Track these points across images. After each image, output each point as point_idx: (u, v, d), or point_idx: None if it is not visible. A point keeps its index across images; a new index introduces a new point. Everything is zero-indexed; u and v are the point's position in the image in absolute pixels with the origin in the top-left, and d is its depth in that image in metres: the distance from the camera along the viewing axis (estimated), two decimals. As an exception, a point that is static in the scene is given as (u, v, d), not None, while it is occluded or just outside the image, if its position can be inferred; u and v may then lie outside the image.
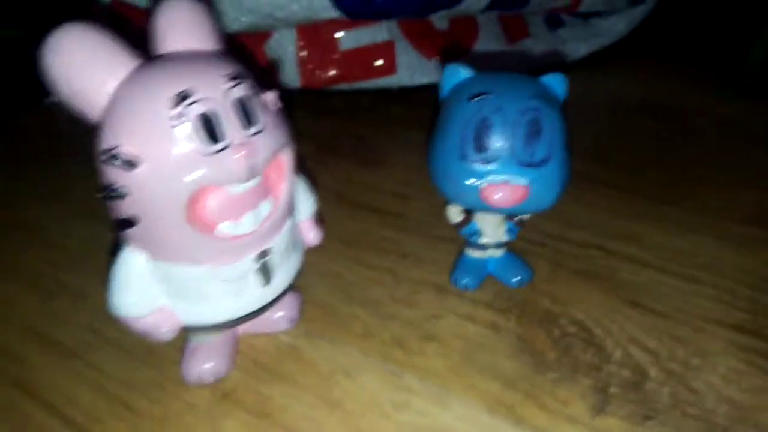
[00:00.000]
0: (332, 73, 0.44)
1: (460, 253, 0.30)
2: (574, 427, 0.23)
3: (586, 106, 0.46)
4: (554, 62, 0.45)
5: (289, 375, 0.25)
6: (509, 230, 0.29)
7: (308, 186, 0.26)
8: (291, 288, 0.25)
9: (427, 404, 0.24)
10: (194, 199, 0.19)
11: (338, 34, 0.43)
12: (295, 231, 0.24)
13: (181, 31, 0.20)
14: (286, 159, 0.22)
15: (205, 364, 0.24)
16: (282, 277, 0.24)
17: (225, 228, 0.20)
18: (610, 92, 0.50)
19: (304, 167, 0.25)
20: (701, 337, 0.27)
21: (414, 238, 0.33)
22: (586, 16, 0.53)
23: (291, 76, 0.43)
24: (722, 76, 0.52)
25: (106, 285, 0.21)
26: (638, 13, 0.54)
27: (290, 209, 0.23)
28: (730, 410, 0.23)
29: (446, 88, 0.27)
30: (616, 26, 0.53)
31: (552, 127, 0.24)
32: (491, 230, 0.28)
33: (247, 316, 0.23)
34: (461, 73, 0.26)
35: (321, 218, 0.27)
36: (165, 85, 0.19)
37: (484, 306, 0.28)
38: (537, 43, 0.50)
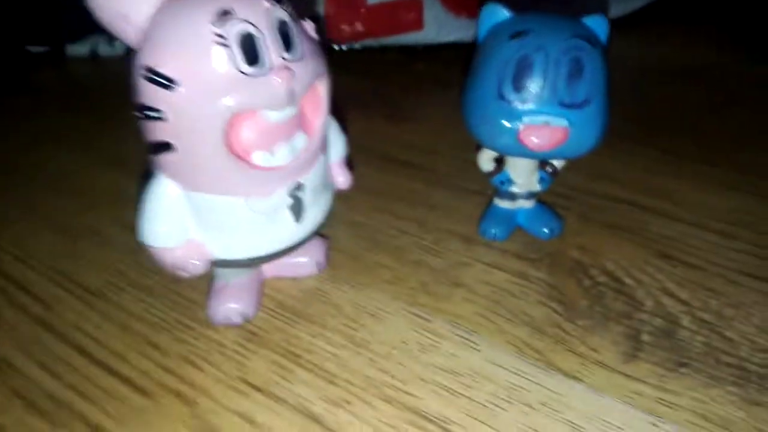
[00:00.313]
0: (358, 28, 0.43)
1: (489, 204, 0.30)
2: (604, 372, 0.22)
3: (621, 67, 0.45)
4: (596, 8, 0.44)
5: (316, 317, 0.25)
6: (541, 179, 0.28)
7: (339, 128, 0.26)
8: (320, 230, 0.24)
9: (454, 347, 0.23)
10: (232, 125, 0.19)
11: (365, -12, 0.42)
12: (327, 170, 0.24)
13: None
14: (323, 91, 0.21)
15: (232, 303, 0.24)
16: (313, 216, 0.23)
17: (260, 157, 0.20)
18: (646, 55, 0.49)
19: (335, 112, 0.25)
20: (734, 289, 0.26)
21: (442, 190, 0.33)
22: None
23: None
24: (756, 39, 0.50)
25: (137, 216, 0.21)
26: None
27: (324, 145, 0.23)
28: (766, 359, 0.23)
29: (484, 28, 0.26)
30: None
31: (594, 67, 0.24)
32: (523, 178, 0.28)
33: (276, 253, 0.23)
34: (500, 13, 0.26)
35: (350, 165, 0.27)
36: (206, 3, 0.18)
37: (512, 255, 0.28)
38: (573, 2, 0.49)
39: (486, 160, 0.28)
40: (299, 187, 0.22)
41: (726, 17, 0.58)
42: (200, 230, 0.21)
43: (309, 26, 0.21)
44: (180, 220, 0.21)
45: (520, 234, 0.29)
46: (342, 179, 0.26)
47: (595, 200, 0.32)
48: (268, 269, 0.26)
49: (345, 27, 0.43)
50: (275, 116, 0.20)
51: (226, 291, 0.24)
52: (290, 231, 0.22)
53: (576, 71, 0.23)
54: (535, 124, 0.24)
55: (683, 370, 0.22)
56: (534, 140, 0.24)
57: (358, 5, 0.42)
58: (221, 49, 0.18)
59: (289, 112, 0.20)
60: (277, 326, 0.25)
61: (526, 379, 0.22)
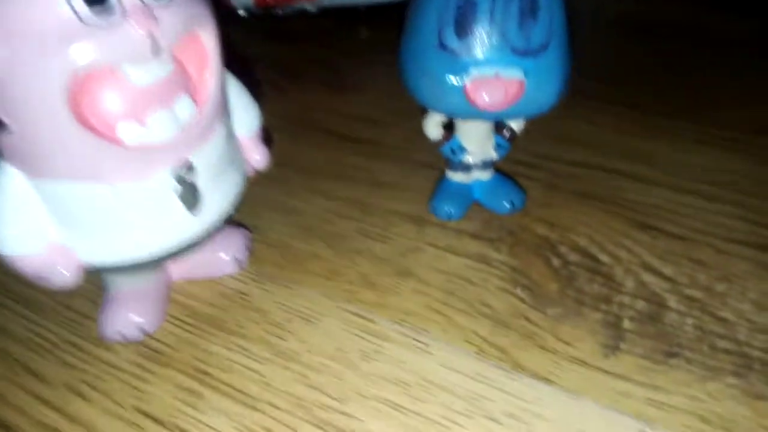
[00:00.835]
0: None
1: (442, 178, 0.26)
2: (583, 370, 0.19)
3: (594, 23, 0.41)
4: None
5: (235, 326, 0.21)
6: (498, 145, 0.24)
7: (248, 94, 0.21)
8: (228, 220, 0.20)
9: (401, 351, 0.19)
10: (81, 87, 0.14)
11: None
12: (231, 145, 0.19)
13: None
14: (208, 41, 0.17)
15: (127, 315, 0.20)
16: (215, 203, 0.19)
17: (128, 130, 0.15)
18: (621, 11, 0.45)
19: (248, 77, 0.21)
20: (725, 260, 0.22)
21: (389, 165, 0.28)
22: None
23: (243, -6, 0.37)
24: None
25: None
26: None
27: (221, 113, 0.18)
28: (767, 341, 0.19)
29: None
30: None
31: (551, 5, 0.20)
32: (476, 145, 0.24)
33: (170, 253, 0.18)
34: None
35: (268, 138, 0.22)
36: None
37: (469, 236, 0.24)
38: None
39: (433, 126, 0.24)
40: (189, 167, 0.17)
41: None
42: (63, 230, 0.17)
43: None
44: (34, 220, 0.16)
45: (477, 210, 0.25)
46: (257, 157, 0.21)
47: (561, 167, 0.28)
48: (176, 270, 0.22)
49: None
50: (141, 76, 0.15)
51: (120, 300, 0.20)
52: (184, 224, 0.18)
53: (529, 10, 0.19)
54: (484, 76, 0.20)
55: (674, 361, 0.19)
56: (484, 97, 0.20)
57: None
58: None
59: (159, 69, 0.15)
60: (187, 340, 0.20)
61: (489, 385, 0.18)
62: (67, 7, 0.14)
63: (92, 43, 0.14)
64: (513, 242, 0.24)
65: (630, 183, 0.26)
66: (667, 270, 0.22)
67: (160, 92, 0.16)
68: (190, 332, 0.21)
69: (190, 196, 0.17)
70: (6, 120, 0.15)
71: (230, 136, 0.19)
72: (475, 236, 0.24)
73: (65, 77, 0.14)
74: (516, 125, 0.23)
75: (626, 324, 0.20)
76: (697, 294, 0.21)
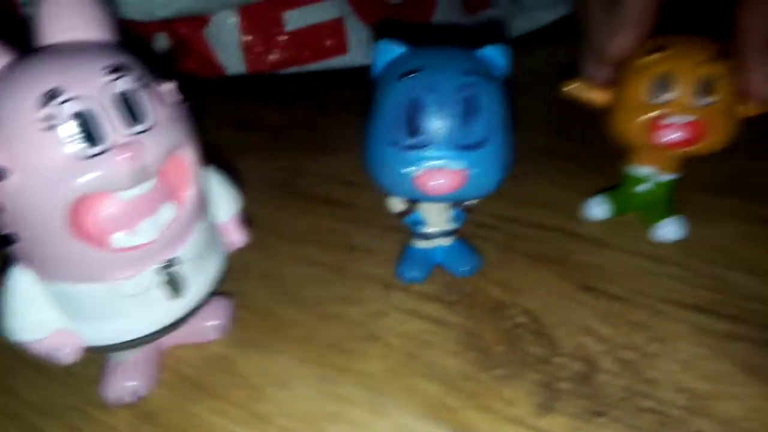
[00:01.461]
0: (279, 56, 0.41)
1: (407, 244, 0.28)
2: (522, 430, 0.21)
3: (547, 77, 0.44)
4: (496, 33, 0.42)
5: (219, 389, 0.23)
6: (455, 217, 0.27)
7: (228, 182, 0.24)
8: (211, 296, 0.23)
9: (363, 413, 0.22)
10: (78, 210, 0.17)
11: (284, 14, 0.40)
12: (211, 234, 0.22)
13: (63, 20, 0.18)
14: (188, 157, 0.20)
15: (124, 382, 0.23)
16: (198, 286, 0.22)
17: (119, 239, 0.18)
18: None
19: (226, 162, 0.24)
20: (660, 321, 0.25)
21: (363, 229, 0.31)
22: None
23: (235, 61, 0.40)
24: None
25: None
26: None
27: (200, 212, 0.21)
28: (689, 400, 0.22)
29: (379, 66, 0.25)
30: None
31: (490, 104, 0.22)
32: (435, 218, 0.27)
33: (159, 332, 0.21)
34: (394, 49, 0.24)
35: (248, 218, 0.25)
36: (32, 82, 0.17)
37: (431, 299, 0.27)
38: (498, 13, 0.48)
39: (396, 202, 0.26)
40: (173, 261, 0.20)
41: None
42: (66, 317, 0.20)
43: (167, 89, 0.19)
44: (42, 312, 0.19)
45: (440, 273, 0.28)
46: (236, 237, 0.24)
47: (518, 228, 0.30)
48: (167, 339, 0.25)
49: (265, 56, 0.41)
50: (130, 194, 0.18)
51: (119, 369, 0.23)
52: (170, 308, 0.21)
53: (471, 110, 0.22)
54: (433, 168, 0.23)
55: (601, 420, 0.21)
56: (432, 185, 0.23)
57: (277, 32, 0.41)
58: (52, 131, 0.16)
59: (145, 187, 0.18)
60: (175, 403, 0.23)
61: (437, 445, 0.21)
62: (68, 146, 0.17)
63: (88, 175, 0.17)
64: (469, 304, 0.26)
65: (579, 244, 0.29)
66: (605, 331, 0.25)
67: (145, 203, 0.19)
68: (179, 395, 0.23)
69: (175, 285, 0.20)
70: (16, 232, 0.18)
71: (210, 226, 0.22)
72: (436, 299, 0.27)
73: (65, 202, 0.17)
74: (470, 201, 0.26)
75: (562, 384, 0.23)
76: (629, 355, 0.24)
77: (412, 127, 0.22)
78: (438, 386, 0.23)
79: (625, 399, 0.22)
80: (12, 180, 0.17)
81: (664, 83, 0.24)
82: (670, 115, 0.25)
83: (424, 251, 0.28)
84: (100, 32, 0.18)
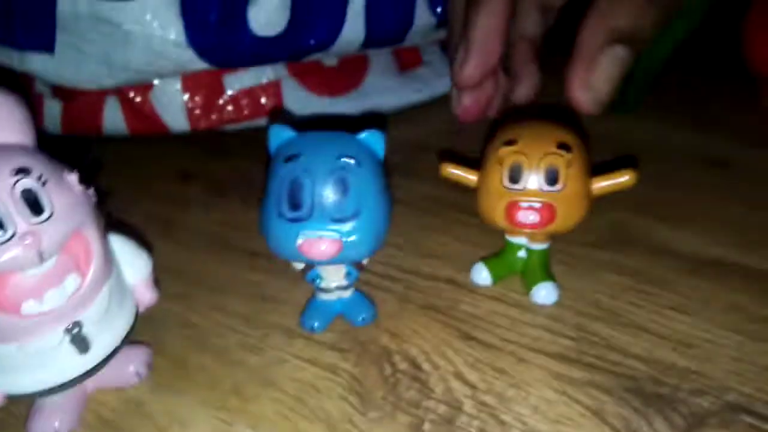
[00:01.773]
0: (220, 116, 0.45)
1: (312, 297, 0.32)
2: (382, 466, 0.25)
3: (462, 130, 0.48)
4: (377, 121, 0.47)
5: (129, 429, 0.27)
6: (348, 273, 0.30)
7: (138, 247, 0.28)
8: (120, 348, 0.26)
9: (250, 452, 0.25)
10: None
11: (223, 78, 0.44)
12: (120, 294, 0.26)
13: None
14: (90, 235, 0.23)
15: (48, 422, 0.26)
16: (105, 342, 0.25)
17: (29, 307, 0.22)
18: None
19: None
20: (522, 368, 0.28)
21: (278, 279, 0.35)
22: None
23: (179, 121, 0.44)
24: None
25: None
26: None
27: (104, 279, 0.25)
28: (532, 440, 0.25)
29: (273, 147, 0.29)
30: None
31: (361, 183, 0.26)
32: (331, 275, 0.30)
33: (70, 382, 0.25)
34: (283, 133, 0.28)
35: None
36: None
37: (327, 347, 0.30)
38: (431, 71, 0.52)
39: (295, 262, 0.30)
40: (78, 324, 0.24)
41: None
42: (-12, 371, 0.23)
43: (72, 180, 0.23)
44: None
45: (340, 323, 0.31)
46: (147, 297, 0.28)
47: (418, 280, 0.34)
48: (90, 382, 0.28)
49: (207, 116, 0.45)
50: (35, 271, 0.22)
51: (43, 410, 0.26)
52: (78, 362, 0.24)
53: (342, 190, 0.26)
54: (311, 238, 0.26)
55: (453, 458, 0.25)
56: (312, 251, 0.26)
57: (217, 94, 0.45)
58: None
59: (48, 264, 0.22)
60: (92, 442, 0.26)
61: (308, 480, 0.24)
62: None
63: None
64: (360, 352, 0.30)
65: (466, 295, 0.33)
66: (473, 377, 0.28)
67: (51, 277, 0.22)
68: (96, 435, 0.27)
69: (81, 344, 0.24)
70: None
71: (118, 286, 0.26)
72: (331, 347, 0.30)
73: None
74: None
75: (426, 426, 0.26)
76: (489, 399, 0.27)
77: (293, 204, 0.26)
78: (319, 428, 0.26)
79: (478, 439, 0.25)
80: None
81: (515, 173, 0.29)
82: (522, 200, 0.29)
83: (325, 303, 0.31)
84: (15, 135, 0.22)
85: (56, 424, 0.26)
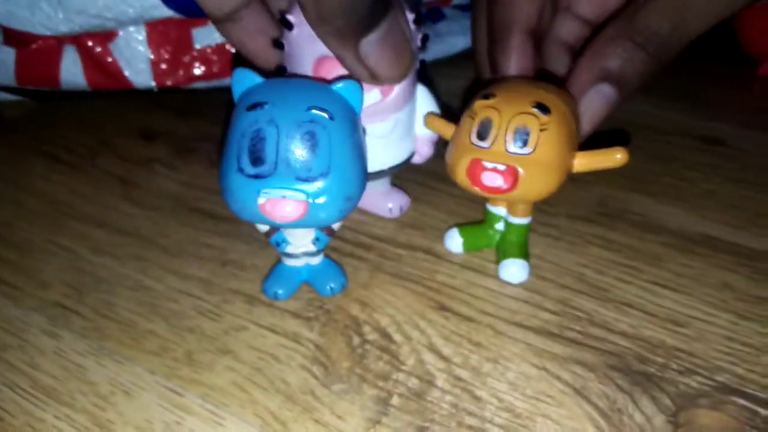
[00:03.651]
0: (188, 73, 0.42)
1: (277, 262, 0.29)
2: (345, 442, 0.22)
3: (454, 99, 0.46)
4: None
5: (68, 397, 0.24)
6: (317, 239, 0.28)
7: (436, 107, 0.31)
8: (385, 174, 0.31)
9: (200, 424, 0.23)
10: (318, 65, 0.27)
11: (192, 31, 0.41)
12: (403, 130, 0.30)
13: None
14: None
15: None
16: (376, 159, 0.29)
17: None
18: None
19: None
20: (499, 342, 0.26)
21: (239, 244, 0.32)
22: (467, 9, 0.52)
23: (143, 76, 0.41)
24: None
25: None
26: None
27: (394, 110, 0.28)
28: (508, 419, 0.23)
29: (236, 94, 0.26)
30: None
31: (332, 140, 0.24)
32: (298, 239, 0.28)
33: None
34: (249, 78, 0.25)
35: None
36: None
37: (290, 315, 0.28)
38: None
39: (258, 223, 0.27)
40: (363, 130, 0.27)
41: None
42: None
43: (409, 17, 0.27)
44: None
45: (306, 290, 0.29)
46: (425, 150, 0.32)
47: (394, 249, 0.32)
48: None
49: (174, 72, 0.42)
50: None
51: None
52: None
53: (310, 145, 0.23)
54: (274, 198, 0.24)
55: (422, 434, 0.23)
56: (275, 213, 0.24)
57: (185, 49, 0.41)
58: None
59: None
60: (24, 408, 0.24)
61: (262, 456, 0.22)
62: None
63: None
64: (326, 321, 0.27)
65: (443, 265, 0.31)
66: (447, 350, 0.26)
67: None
68: (29, 401, 0.24)
69: None
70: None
71: (404, 125, 0.30)
72: (295, 315, 0.28)
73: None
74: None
75: (394, 400, 0.24)
76: (464, 374, 0.25)
77: (255, 158, 0.24)
78: (277, 399, 0.24)
79: (451, 415, 0.23)
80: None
81: (483, 129, 0.26)
82: (486, 160, 0.26)
83: (293, 269, 0.29)
84: None
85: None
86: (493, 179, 0.26)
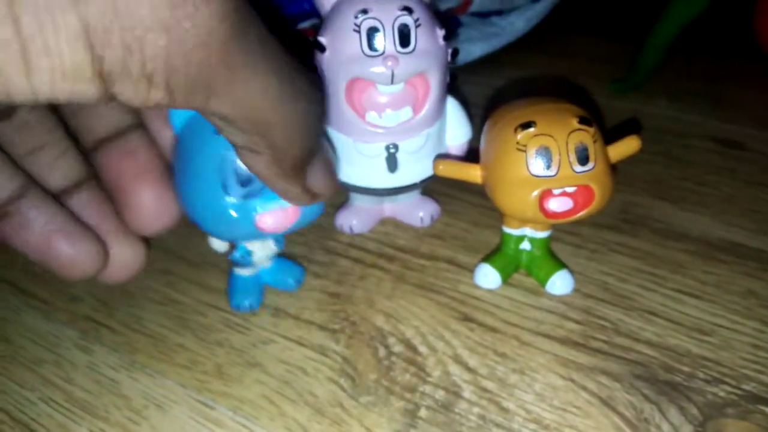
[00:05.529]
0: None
1: (230, 275, 0.29)
2: (374, 455, 0.23)
3: (476, 109, 0.46)
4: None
5: (102, 410, 0.25)
6: (277, 240, 0.28)
7: (466, 117, 0.32)
8: (418, 187, 0.32)
9: (231, 436, 0.24)
10: (350, 86, 0.28)
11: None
12: (435, 143, 0.31)
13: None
14: (433, 80, 0.28)
15: (348, 217, 0.34)
16: (408, 173, 0.30)
17: (371, 116, 0.28)
18: (502, 89, 0.50)
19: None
20: (525, 352, 0.27)
21: (266, 256, 0.33)
22: (485, 15, 0.52)
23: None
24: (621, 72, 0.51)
25: None
26: (539, 9, 0.53)
27: (429, 123, 0.29)
28: (536, 430, 0.23)
29: (178, 120, 0.24)
30: (514, 25, 0.52)
31: None
32: (261, 247, 0.28)
33: (374, 190, 0.31)
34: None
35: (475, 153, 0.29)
36: (356, 4, 0.27)
37: (316, 328, 0.28)
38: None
39: (218, 243, 0.27)
40: (395, 146, 0.29)
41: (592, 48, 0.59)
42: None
43: (439, 33, 0.28)
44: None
45: (330, 302, 0.29)
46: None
47: (417, 260, 0.32)
48: (388, 209, 0.35)
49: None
50: (384, 89, 0.27)
51: (351, 208, 0.34)
52: (384, 177, 0.30)
53: None
54: (272, 210, 0.24)
55: (451, 447, 0.23)
56: (271, 224, 0.24)
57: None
58: (355, 33, 0.26)
59: (395, 88, 0.27)
60: (60, 423, 0.24)
61: (293, 468, 0.22)
62: (358, 47, 0.27)
63: (360, 66, 0.27)
64: (351, 333, 0.28)
65: (467, 276, 0.31)
66: (473, 361, 0.26)
67: (394, 101, 0.28)
68: (65, 415, 0.25)
69: (391, 163, 0.30)
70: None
71: (436, 138, 0.31)
72: (321, 328, 0.28)
73: (345, 78, 0.28)
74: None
75: (422, 412, 0.24)
76: (490, 385, 0.25)
77: (243, 179, 0.23)
78: (306, 412, 0.24)
79: (478, 427, 0.23)
80: (326, 54, 0.28)
81: (544, 158, 0.25)
82: (555, 186, 0.25)
83: (248, 278, 0.29)
84: None
85: (354, 221, 0.33)
86: (563, 204, 0.26)
